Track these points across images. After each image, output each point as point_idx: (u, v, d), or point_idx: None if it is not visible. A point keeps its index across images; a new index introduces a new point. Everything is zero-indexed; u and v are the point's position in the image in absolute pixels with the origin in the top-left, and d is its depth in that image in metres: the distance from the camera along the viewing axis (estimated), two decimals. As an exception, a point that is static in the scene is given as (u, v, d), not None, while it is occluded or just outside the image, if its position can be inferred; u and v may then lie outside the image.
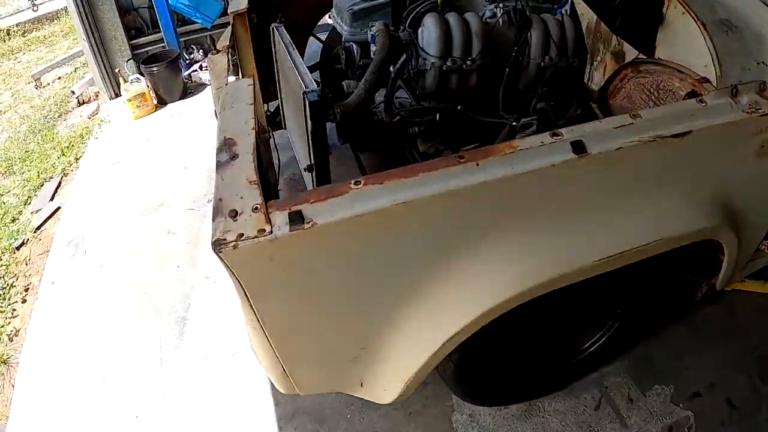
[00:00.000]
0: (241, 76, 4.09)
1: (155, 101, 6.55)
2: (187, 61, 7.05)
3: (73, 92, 7.21)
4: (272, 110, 4.37)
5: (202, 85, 6.88)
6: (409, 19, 2.81)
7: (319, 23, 4.42)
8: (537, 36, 2.80)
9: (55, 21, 10.28)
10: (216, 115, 2.55)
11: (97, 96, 7.21)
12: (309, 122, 2.53)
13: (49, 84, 8.06)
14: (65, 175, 5.72)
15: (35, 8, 8.97)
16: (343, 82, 3.02)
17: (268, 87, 4.19)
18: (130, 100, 6.24)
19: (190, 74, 6.95)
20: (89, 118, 6.76)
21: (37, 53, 9.54)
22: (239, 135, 1.91)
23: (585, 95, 2.91)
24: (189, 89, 6.84)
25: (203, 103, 6.52)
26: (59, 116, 7.04)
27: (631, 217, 1.95)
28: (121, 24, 6.74)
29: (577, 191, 1.83)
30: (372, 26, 2.82)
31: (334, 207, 1.56)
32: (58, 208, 5.15)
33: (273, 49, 3.79)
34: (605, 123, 1.82)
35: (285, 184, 4.34)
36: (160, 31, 6.87)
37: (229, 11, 3.73)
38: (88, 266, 4.28)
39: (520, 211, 1.78)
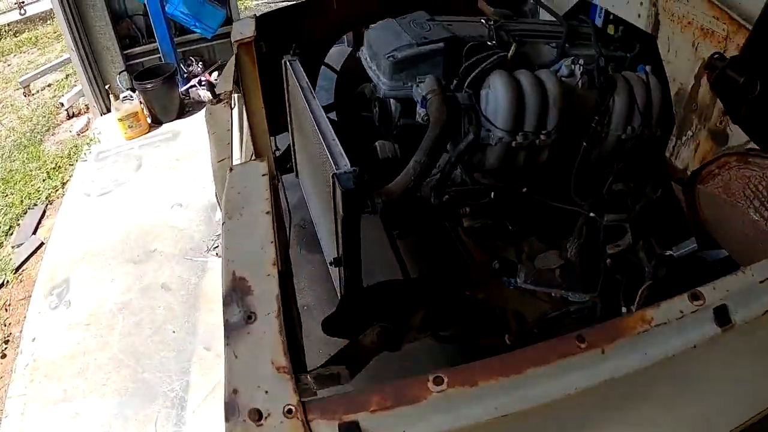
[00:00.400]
0: (244, 115, 3.57)
1: (149, 120, 6.03)
2: (185, 75, 6.53)
3: (63, 104, 6.69)
4: (281, 149, 3.89)
5: (200, 103, 6.35)
6: (470, 77, 2.31)
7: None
8: (621, 102, 2.34)
9: (48, 21, 9.69)
10: (218, 203, 2.07)
11: (87, 109, 6.68)
12: (340, 213, 2.07)
13: (38, 92, 7.52)
14: (50, 202, 5.22)
15: (23, 11, 8.42)
16: (377, 144, 2.53)
17: (276, 117, 3.68)
18: (121, 120, 5.73)
19: (187, 90, 6.43)
20: (78, 134, 6.25)
21: (28, 56, 8.98)
22: (255, 273, 1.39)
23: (663, 172, 2.45)
24: (186, 107, 6.32)
25: (201, 123, 6.00)
26: (47, 130, 6.53)
27: (760, 380, 1.52)
28: (113, 32, 6.22)
29: (709, 366, 1.39)
30: (420, 82, 2.33)
31: (407, 419, 1.10)
32: (42, 244, 4.66)
33: (285, 84, 3.32)
34: (748, 274, 1.37)
35: (296, 234, 3.88)
36: (156, 41, 6.33)
37: (232, 40, 3.23)
38: (73, 323, 3.79)
39: (642, 399, 1.33)
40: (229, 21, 6.71)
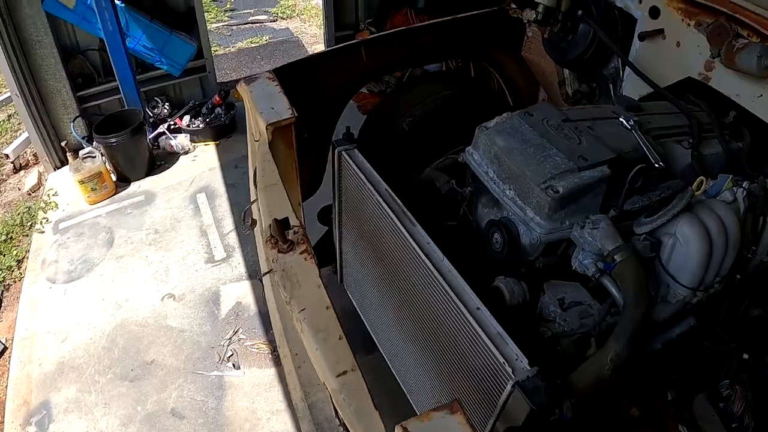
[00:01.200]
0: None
1: (114, 178, 5.20)
2: (151, 120, 5.72)
3: (7, 156, 5.74)
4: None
5: (172, 155, 5.58)
6: (655, 221, 1.78)
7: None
8: None
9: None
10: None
11: (36, 159, 5.78)
12: (516, 423, 1.53)
13: (-27, 139, 6.52)
14: (6, 288, 4.36)
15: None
16: (501, 285, 1.96)
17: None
18: (82, 182, 4.88)
19: (156, 139, 5.63)
20: (30, 194, 5.36)
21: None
22: None
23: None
24: (157, 160, 5.51)
25: (177, 180, 5.25)
26: (-10, 188, 5.60)
27: None
28: (64, 72, 5.34)
29: None
30: (593, 228, 1.79)
31: None
32: (5, 348, 3.84)
33: (335, 176, 2.70)
34: None
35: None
36: (114, 79, 5.47)
37: (264, 123, 2.54)
38: (62, 468, 3.06)
39: None
40: (199, 54, 5.97)
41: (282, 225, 1.83)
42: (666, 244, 1.77)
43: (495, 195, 2.01)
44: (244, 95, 2.83)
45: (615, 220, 1.85)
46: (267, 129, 2.44)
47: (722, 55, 2.18)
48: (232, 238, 4.47)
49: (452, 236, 2.45)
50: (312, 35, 8.37)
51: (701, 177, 1.84)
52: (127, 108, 5.42)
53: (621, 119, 2.15)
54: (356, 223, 2.63)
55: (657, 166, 1.95)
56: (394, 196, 2.21)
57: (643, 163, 1.96)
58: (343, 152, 2.53)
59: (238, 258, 4.29)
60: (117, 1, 5.15)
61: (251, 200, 2.98)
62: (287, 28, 8.63)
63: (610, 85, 3.04)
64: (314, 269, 1.78)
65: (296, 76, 3.05)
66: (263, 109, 2.53)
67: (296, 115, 2.50)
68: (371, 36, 3.44)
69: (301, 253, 1.84)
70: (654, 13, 2.59)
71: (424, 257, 1.92)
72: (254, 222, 2.97)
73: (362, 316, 2.79)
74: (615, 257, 1.70)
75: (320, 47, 7.65)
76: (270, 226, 1.86)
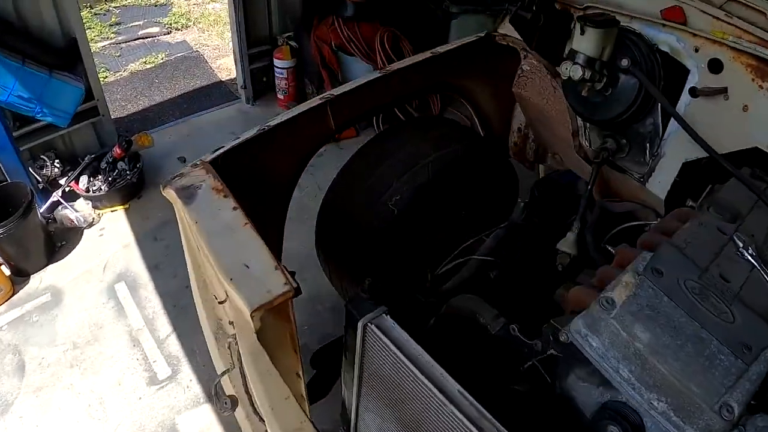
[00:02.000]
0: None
1: (8, 272, 4.16)
2: (40, 185, 4.70)
3: None
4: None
5: (74, 230, 4.56)
6: None
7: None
8: None
9: None
10: None
11: None
12: None
13: None
14: None
15: None
16: None
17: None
18: (-29, 291, 3.89)
19: (51, 211, 4.60)
20: None
21: None
22: None
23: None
24: (56, 240, 4.48)
25: (86, 267, 4.27)
26: None
27: None
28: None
29: None
30: None
31: None
32: None
33: (355, 348, 1.93)
34: None
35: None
36: (-13, 142, 4.41)
37: (248, 308, 1.68)
38: None
39: None
40: (89, 95, 4.94)
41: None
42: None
43: (630, 402, 1.38)
44: (183, 218, 2.04)
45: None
46: (253, 317, 1.65)
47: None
48: (173, 345, 3.60)
49: (526, 409, 1.79)
50: (214, 47, 7.34)
51: None
52: (8, 182, 4.37)
53: (741, 250, 1.65)
54: (388, 401, 1.90)
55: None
56: (466, 394, 1.51)
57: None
58: (369, 325, 1.76)
59: (187, 372, 3.44)
60: (-25, 43, 4.11)
61: (221, 371, 2.22)
62: (185, 41, 7.51)
63: (647, 144, 2.48)
64: None
65: (241, 159, 2.33)
66: (233, 272, 1.72)
67: (296, 285, 1.71)
68: (338, 93, 2.68)
69: None
70: (715, 67, 2.13)
71: None
72: (235, 399, 2.22)
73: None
74: None
75: (227, 61, 6.71)
76: None
